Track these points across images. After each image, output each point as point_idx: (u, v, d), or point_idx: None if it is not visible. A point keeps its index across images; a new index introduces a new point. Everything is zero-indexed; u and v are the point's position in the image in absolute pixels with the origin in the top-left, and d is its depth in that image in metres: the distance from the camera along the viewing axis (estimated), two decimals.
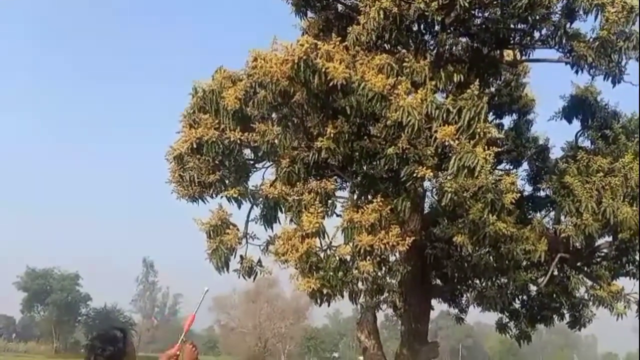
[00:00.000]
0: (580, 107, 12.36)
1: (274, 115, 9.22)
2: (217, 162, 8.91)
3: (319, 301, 8.51)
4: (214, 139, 8.40)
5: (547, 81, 16.69)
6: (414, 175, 7.98)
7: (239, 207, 9.15)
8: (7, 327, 75.20)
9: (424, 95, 8.13)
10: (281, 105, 8.93)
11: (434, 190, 10.16)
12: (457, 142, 7.56)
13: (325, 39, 8.78)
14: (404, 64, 9.08)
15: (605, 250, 11.90)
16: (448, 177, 7.93)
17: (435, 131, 7.72)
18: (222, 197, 9.38)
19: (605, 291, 10.75)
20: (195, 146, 8.51)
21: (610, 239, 11.20)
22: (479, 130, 7.59)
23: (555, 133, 13.73)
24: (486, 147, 7.94)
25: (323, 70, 7.52)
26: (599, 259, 11.89)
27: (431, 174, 7.90)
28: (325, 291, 8.27)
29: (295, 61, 7.47)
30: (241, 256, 9.29)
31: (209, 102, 8.92)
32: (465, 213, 8.69)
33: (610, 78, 10.62)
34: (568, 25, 10.79)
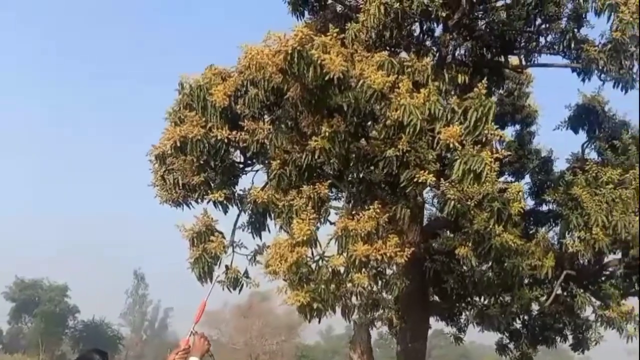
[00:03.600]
0: (587, 116, 11.86)
1: (265, 115, 8.64)
2: (202, 162, 8.28)
3: (308, 316, 7.81)
4: (200, 137, 7.79)
5: (551, 91, 16.25)
6: (415, 180, 7.37)
7: (225, 212, 8.53)
8: None
9: (426, 95, 7.55)
10: (273, 105, 8.36)
11: (435, 198, 9.59)
12: (462, 144, 6.95)
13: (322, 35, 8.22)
14: (405, 62, 8.55)
15: (611, 268, 11.31)
16: (452, 183, 7.31)
17: (439, 132, 7.12)
18: (207, 202, 8.74)
19: (615, 311, 10.11)
20: (179, 144, 7.89)
21: (619, 255, 10.60)
22: (486, 132, 6.99)
23: (558, 145, 13.23)
24: (492, 152, 7.37)
25: (319, 62, 6.94)
26: (606, 277, 11.28)
27: (433, 179, 7.29)
28: (315, 305, 7.58)
29: (289, 52, 6.88)
30: (226, 266, 8.62)
31: (196, 99, 8.32)
32: (469, 223, 8.08)
33: (621, 85, 10.13)
34: (576, 30, 10.37)
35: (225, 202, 8.40)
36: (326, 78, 7.05)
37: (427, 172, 7.37)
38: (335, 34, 7.54)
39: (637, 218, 9.17)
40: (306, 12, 11.67)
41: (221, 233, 8.57)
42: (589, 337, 12.42)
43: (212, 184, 8.52)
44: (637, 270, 10.42)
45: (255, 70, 7.91)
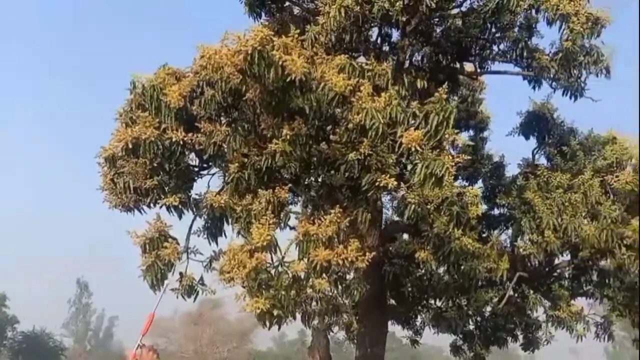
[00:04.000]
0: (537, 123, 12.25)
1: (223, 117, 8.37)
2: (155, 165, 7.89)
3: (268, 324, 7.58)
4: (153, 139, 7.42)
5: (504, 98, 16.69)
6: (376, 184, 7.29)
7: (180, 217, 8.17)
8: None
9: (387, 99, 7.51)
10: (231, 106, 8.10)
11: (395, 202, 9.59)
12: (423, 148, 6.94)
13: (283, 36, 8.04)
14: (366, 66, 8.50)
15: (560, 270, 11.68)
16: (413, 187, 7.29)
17: (400, 136, 7.08)
18: (161, 207, 8.35)
19: (565, 312, 10.43)
20: (130, 146, 7.48)
21: (569, 257, 10.97)
22: (447, 136, 7.01)
23: (510, 151, 13.60)
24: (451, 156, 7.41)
25: (280, 63, 6.75)
26: (556, 278, 11.64)
27: (395, 182, 7.23)
28: (275, 312, 7.35)
29: (249, 52, 6.66)
30: (180, 273, 8.25)
31: (149, 99, 7.93)
32: (429, 227, 8.09)
33: (570, 93, 10.50)
34: (527, 39, 10.68)
35: (179, 206, 8.05)
36: (287, 80, 6.88)
37: (388, 175, 7.31)
38: (296, 35, 7.38)
39: (587, 221, 9.49)
40: (263, 14, 11.49)
41: (175, 239, 8.21)
42: (539, 337, 12.81)
43: (166, 188, 8.15)
44: (586, 272, 10.81)
45: (213, 71, 7.64)
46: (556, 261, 10.92)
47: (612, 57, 9.83)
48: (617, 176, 9.80)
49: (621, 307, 10.84)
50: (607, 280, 10.98)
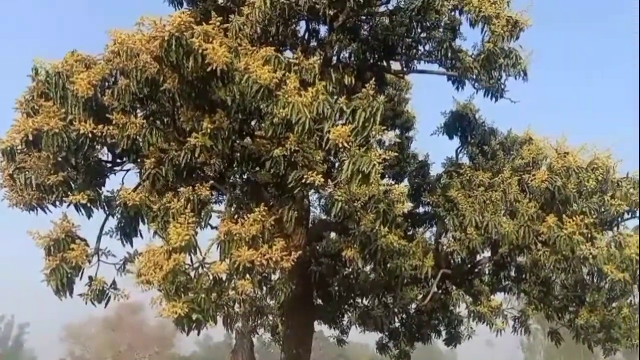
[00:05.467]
0: (460, 123, 12.52)
1: (138, 109, 7.78)
2: (60, 159, 7.18)
3: (186, 328, 7.11)
4: (57, 131, 6.72)
5: (428, 98, 17.00)
6: (303, 181, 7.04)
7: (89, 217, 7.48)
8: None
9: (314, 94, 7.27)
10: (147, 98, 7.54)
11: (322, 200, 9.40)
12: (350, 145, 6.76)
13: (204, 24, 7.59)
14: (292, 60, 8.23)
15: (480, 266, 12.02)
16: (341, 184, 7.11)
17: (328, 132, 6.87)
18: (68, 205, 7.62)
19: (485, 307, 10.71)
20: (31, 138, 6.75)
21: (489, 253, 11.28)
22: (374, 132, 6.88)
23: (434, 150, 13.87)
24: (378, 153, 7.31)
25: (199, 52, 6.32)
26: (476, 274, 11.95)
27: (322, 179, 7.01)
28: (194, 317, 6.89)
29: (166, 38, 6.17)
30: (90, 277, 7.58)
31: (54, 87, 7.21)
32: (355, 224, 7.96)
33: (490, 94, 10.81)
34: (452, 40, 10.87)
35: (89, 204, 7.37)
36: (208, 70, 6.46)
37: (315, 172, 7.08)
38: (218, 23, 6.97)
39: (506, 218, 9.78)
40: (185, 3, 10.95)
41: (84, 240, 7.52)
42: (461, 332, 13.15)
43: (73, 185, 7.45)
44: (505, 267, 11.18)
45: (126, 59, 7.08)
46: (478, 258, 11.20)
47: (529, 60, 10.22)
48: (533, 175, 10.18)
49: (536, 301, 11.30)
50: (523, 276, 11.42)
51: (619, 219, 10.04)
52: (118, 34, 7.17)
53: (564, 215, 9.49)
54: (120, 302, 8.11)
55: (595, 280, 10.33)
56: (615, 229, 10.05)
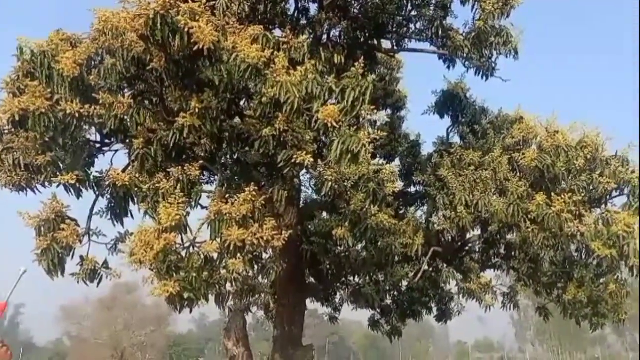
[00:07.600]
0: (451, 102, 12.51)
1: (126, 89, 7.72)
2: (47, 139, 7.13)
3: (178, 307, 7.18)
4: (44, 111, 6.66)
5: (419, 77, 16.97)
6: (293, 161, 7.03)
7: (78, 197, 7.47)
8: None
9: (304, 73, 7.22)
10: (135, 77, 7.47)
11: (312, 180, 9.43)
12: (340, 124, 6.75)
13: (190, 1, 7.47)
14: (281, 39, 8.15)
15: (471, 244, 12.15)
16: (330, 164, 7.11)
17: (317, 112, 6.84)
18: (57, 185, 7.61)
19: (475, 284, 10.85)
20: (18, 119, 6.69)
21: (479, 232, 11.38)
22: (363, 112, 6.86)
23: (426, 129, 13.89)
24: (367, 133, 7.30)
25: (186, 30, 6.24)
26: (467, 252, 12.09)
27: (311, 159, 7.01)
28: (186, 295, 6.96)
29: (151, 16, 6.09)
30: (81, 257, 7.61)
31: (39, 67, 7.12)
32: (346, 204, 7.99)
33: (481, 73, 10.76)
34: (442, 18, 10.77)
35: (78, 185, 7.36)
36: (195, 49, 6.39)
37: (305, 152, 7.07)
38: (204, 1, 6.87)
39: (496, 197, 9.84)
40: None
41: (74, 220, 7.53)
42: (452, 309, 13.36)
43: (62, 165, 7.42)
44: (494, 245, 11.29)
45: (112, 37, 6.97)
46: (468, 236, 11.30)
47: (520, 39, 10.17)
48: (523, 154, 10.20)
49: (525, 277, 11.45)
50: (513, 253, 11.55)
51: (607, 197, 10.11)
52: (102, 12, 7.05)
53: (553, 194, 9.56)
54: (116, 282, 8.19)
55: (583, 257, 10.45)
56: (603, 206, 10.14)
